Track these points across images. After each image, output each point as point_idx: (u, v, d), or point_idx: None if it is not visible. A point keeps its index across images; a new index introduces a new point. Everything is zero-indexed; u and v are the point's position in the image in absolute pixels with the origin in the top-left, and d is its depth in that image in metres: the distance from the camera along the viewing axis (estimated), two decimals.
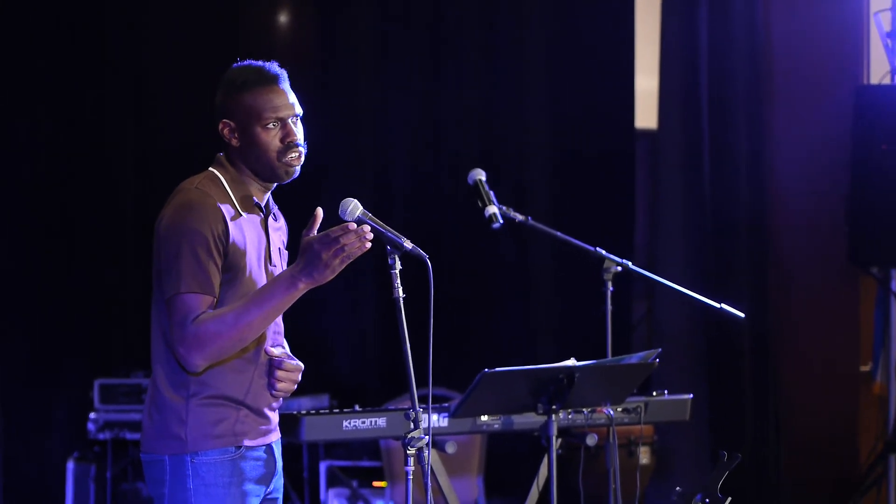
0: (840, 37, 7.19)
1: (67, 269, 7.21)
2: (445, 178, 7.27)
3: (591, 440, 4.66)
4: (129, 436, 6.67)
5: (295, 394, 3.60)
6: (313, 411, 4.49)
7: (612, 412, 4.60)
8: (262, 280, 3.30)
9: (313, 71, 7.32)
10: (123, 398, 6.75)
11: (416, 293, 3.37)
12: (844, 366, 7.16)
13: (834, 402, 7.14)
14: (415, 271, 3.27)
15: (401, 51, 7.36)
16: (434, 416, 4.47)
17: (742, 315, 4.90)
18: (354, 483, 6.74)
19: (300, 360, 3.39)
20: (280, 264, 3.40)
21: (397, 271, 3.18)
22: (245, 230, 3.28)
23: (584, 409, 4.61)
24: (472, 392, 4.32)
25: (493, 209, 4.92)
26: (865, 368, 7.17)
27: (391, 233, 3.16)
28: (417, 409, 3.20)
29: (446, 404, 4.56)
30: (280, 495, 3.44)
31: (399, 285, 3.18)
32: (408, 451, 3.20)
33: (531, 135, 7.26)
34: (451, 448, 4.51)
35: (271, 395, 3.33)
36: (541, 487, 4.73)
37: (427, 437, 3.21)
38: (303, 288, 3.13)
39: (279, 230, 3.45)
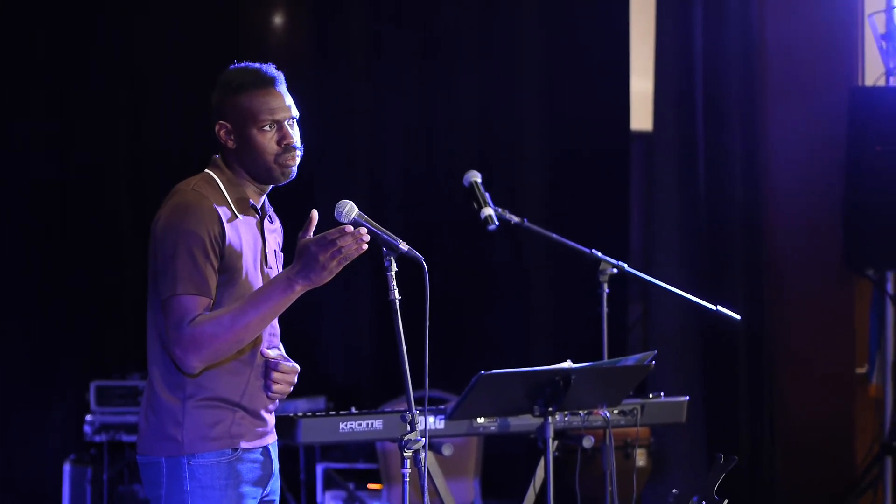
0: (834, 38, 7.20)
1: (65, 271, 7.21)
2: (440, 180, 7.27)
3: (588, 442, 4.66)
4: (126, 438, 6.67)
5: (291, 396, 3.60)
6: (309, 413, 4.49)
7: (608, 414, 4.60)
8: (258, 282, 3.30)
9: (308, 72, 7.32)
10: (119, 400, 6.75)
11: (412, 295, 3.37)
12: (840, 368, 7.17)
13: (830, 405, 7.14)
14: (411, 273, 3.27)
15: (395, 52, 7.37)
16: (430, 419, 4.47)
17: (738, 317, 4.90)
18: (351, 485, 6.74)
19: (296, 362, 3.39)
20: (276, 266, 3.40)
21: (393, 273, 3.18)
22: (241, 232, 3.29)
23: (580, 412, 4.61)
24: (468, 394, 4.32)
25: (488, 211, 4.92)
26: (861, 371, 7.18)
27: (387, 235, 3.16)
28: (414, 411, 3.20)
29: (443, 406, 4.56)
30: (277, 497, 3.43)
31: (395, 287, 3.18)
32: (404, 454, 3.20)
33: (526, 136, 7.27)
34: (447, 450, 4.51)
35: (267, 396, 3.33)
36: (537, 490, 4.73)
37: (423, 439, 3.21)
38: (299, 290, 3.13)
39: (275, 232, 3.45)
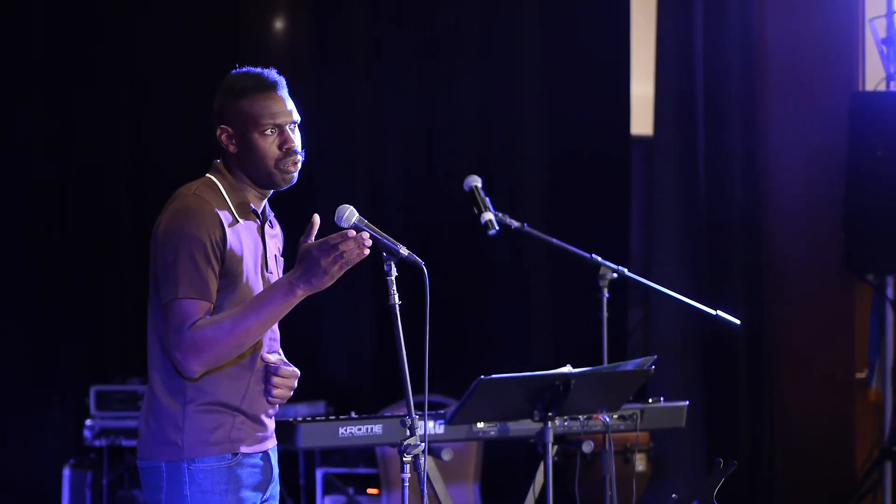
0: (835, 43, 7.20)
1: (65, 271, 7.22)
2: (440, 180, 7.27)
3: (587, 447, 4.66)
4: (126, 443, 6.67)
5: (291, 401, 3.60)
6: (309, 418, 4.49)
7: (607, 419, 4.60)
8: (258, 287, 3.30)
9: (307, 72, 7.32)
10: (119, 405, 6.75)
11: (413, 299, 3.37)
12: (840, 372, 7.17)
13: (830, 409, 7.14)
14: (411, 278, 3.27)
15: (395, 52, 7.37)
16: (430, 423, 4.47)
17: (737, 322, 4.90)
18: (350, 490, 6.74)
19: (296, 366, 3.39)
20: (276, 271, 3.40)
21: (393, 278, 3.18)
22: (242, 237, 3.29)
23: (580, 416, 4.60)
24: (468, 399, 4.32)
25: (488, 216, 4.92)
26: (861, 375, 7.17)
27: (387, 240, 3.16)
28: (413, 415, 3.20)
29: (442, 411, 4.56)
30: (277, 502, 3.43)
31: (395, 292, 3.18)
32: (404, 458, 3.20)
33: (526, 137, 7.27)
34: (447, 455, 4.51)
35: (267, 401, 3.33)
36: (537, 494, 4.73)
37: (423, 443, 3.21)
38: (301, 294, 3.13)
39: (275, 237, 3.45)
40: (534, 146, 7.26)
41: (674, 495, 4.38)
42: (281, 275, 3.39)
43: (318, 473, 6.80)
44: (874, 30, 6.89)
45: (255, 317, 3.14)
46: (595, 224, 7.05)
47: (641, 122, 7.31)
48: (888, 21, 6.88)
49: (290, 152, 3.31)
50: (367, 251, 3.09)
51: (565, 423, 4.60)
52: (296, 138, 3.34)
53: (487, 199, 4.95)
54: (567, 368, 4.34)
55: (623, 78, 7.19)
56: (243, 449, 3.28)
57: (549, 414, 4.37)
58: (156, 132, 7.35)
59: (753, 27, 7.17)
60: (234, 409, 3.27)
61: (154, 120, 7.37)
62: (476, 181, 4.98)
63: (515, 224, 4.98)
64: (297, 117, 3.36)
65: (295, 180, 3.35)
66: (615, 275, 4.89)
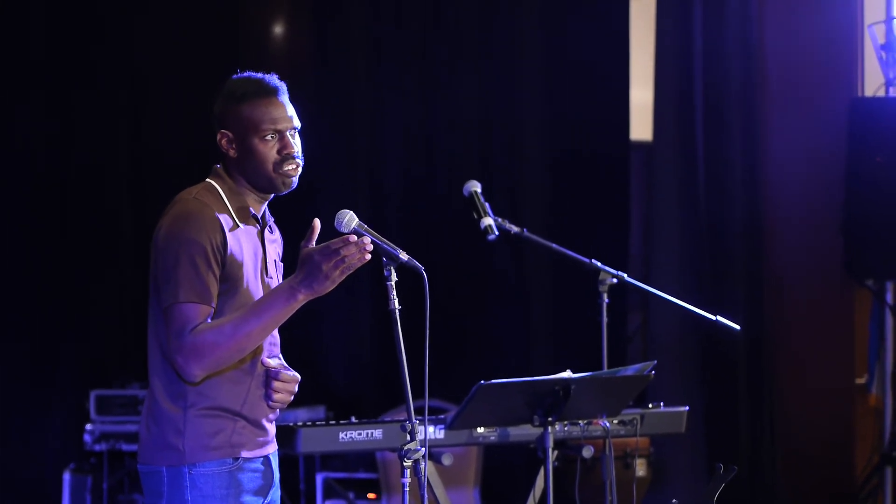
0: (834, 49, 7.21)
1: (65, 272, 7.22)
2: (441, 181, 7.27)
3: (588, 452, 4.66)
4: (126, 447, 6.67)
5: (291, 405, 3.60)
6: (309, 423, 4.49)
7: (608, 424, 4.60)
8: (258, 292, 3.31)
9: (307, 72, 7.33)
10: (120, 409, 6.75)
11: (412, 304, 3.37)
12: (840, 378, 7.17)
13: (830, 415, 7.14)
14: (411, 283, 3.28)
15: (395, 55, 7.38)
16: (430, 428, 4.47)
17: (737, 328, 4.90)
18: (351, 495, 6.74)
19: (296, 371, 3.39)
20: (276, 276, 3.41)
21: (393, 283, 3.18)
22: (242, 241, 3.29)
23: (580, 422, 4.61)
24: (468, 404, 4.33)
25: (488, 221, 4.92)
26: (861, 381, 7.18)
27: (387, 245, 3.16)
28: (413, 420, 3.20)
29: (442, 416, 4.56)
30: None
31: (395, 297, 3.18)
32: (404, 463, 3.20)
33: (526, 142, 7.27)
34: (447, 460, 4.51)
35: (268, 406, 3.33)
36: (537, 499, 4.73)
37: (423, 448, 3.22)
38: (302, 299, 3.13)
39: (275, 242, 3.46)
40: (533, 147, 7.26)
41: (674, 500, 4.39)
42: (280, 280, 3.40)
43: (319, 478, 6.80)
44: (873, 35, 6.90)
45: (256, 321, 3.15)
46: (595, 227, 7.06)
47: (641, 126, 7.31)
48: (887, 26, 6.89)
49: (289, 157, 3.32)
50: (369, 256, 3.10)
51: (565, 428, 4.60)
52: (296, 144, 3.35)
53: (487, 205, 4.95)
54: (567, 373, 4.35)
55: (622, 81, 7.20)
56: (244, 453, 3.28)
57: (550, 419, 4.37)
58: (156, 132, 7.36)
59: (753, 32, 7.18)
60: (235, 414, 3.27)
61: (154, 120, 7.38)
62: (476, 186, 4.98)
63: (515, 229, 4.98)
64: (297, 123, 3.37)
65: (295, 185, 3.36)
66: (615, 280, 4.89)
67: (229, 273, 3.24)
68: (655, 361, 4.51)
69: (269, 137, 3.32)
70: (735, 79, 7.14)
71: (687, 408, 4.99)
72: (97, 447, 6.72)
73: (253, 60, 3.50)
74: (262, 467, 3.34)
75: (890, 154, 6.68)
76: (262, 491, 3.34)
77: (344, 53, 7.38)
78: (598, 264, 4.89)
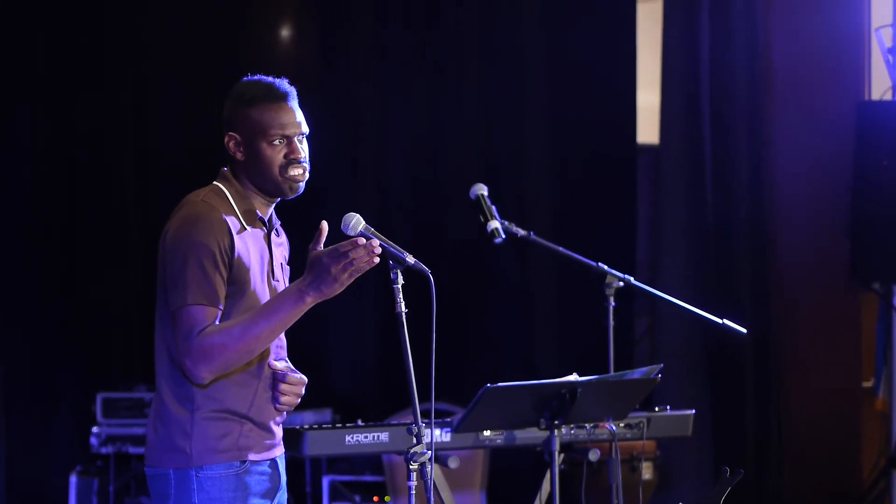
0: (841, 52, 7.21)
1: (69, 274, 7.23)
2: (446, 188, 7.27)
3: (594, 455, 4.66)
4: (132, 450, 6.68)
5: (297, 408, 3.60)
6: (316, 426, 4.49)
7: (614, 427, 4.60)
8: (265, 295, 3.31)
9: (312, 77, 7.34)
10: (126, 412, 6.76)
11: (419, 307, 3.38)
12: (846, 381, 7.16)
13: (836, 418, 7.13)
14: (417, 286, 3.28)
15: (400, 59, 7.38)
16: (437, 431, 4.47)
17: (744, 331, 4.90)
18: (357, 498, 6.74)
19: (303, 374, 3.40)
20: (282, 279, 3.41)
21: (400, 286, 3.19)
22: (249, 244, 3.29)
23: (586, 425, 4.61)
24: (474, 407, 4.33)
25: (495, 224, 4.93)
26: (868, 384, 7.17)
27: (393, 248, 3.17)
28: (420, 423, 3.20)
29: (449, 419, 4.56)
30: None
31: (401, 300, 3.18)
32: (410, 466, 3.21)
33: (533, 146, 7.27)
34: (453, 463, 4.51)
35: (275, 408, 3.34)
36: (543, 503, 4.73)
37: (430, 451, 3.21)
38: (310, 302, 3.13)
39: (281, 245, 3.46)
40: (540, 150, 7.26)
41: (680, 503, 4.38)
42: (287, 283, 3.40)
43: (325, 481, 6.80)
44: (880, 39, 6.90)
45: (264, 323, 3.15)
46: (601, 230, 7.06)
47: (647, 129, 7.31)
48: (894, 30, 6.88)
49: (297, 163, 3.32)
50: (377, 259, 3.10)
51: (572, 432, 4.60)
52: (303, 149, 3.35)
53: (494, 208, 4.96)
54: (574, 377, 4.35)
55: (629, 84, 7.20)
56: (251, 456, 3.29)
57: (556, 422, 4.37)
58: (162, 134, 7.36)
59: (759, 36, 7.17)
60: (243, 417, 3.27)
61: (160, 122, 7.38)
62: (482, 189, 4.99)
63: (522, 232, 4.98)
64: (305, 129, 3.37)
65: (301, 190, 3.36)
66: (621, 283, 4.89)
67: (236, 276, 3.24)
68: (662, 365, 4.51)
69: (276, 142, 3.32)
70: (742, 82, 7.14)
71: (693, 411, 4.98)
72: (104, 450, 6.73)
73: (258, 64, 3.48)
74: (269, 470, 3.34)
75: None
76: (269, 494, 3.34)
77: (346, 55, 7.38)
78: (605, 267, 4.89)
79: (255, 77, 3.39)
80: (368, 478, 6.76)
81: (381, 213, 7.27)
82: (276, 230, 3.43)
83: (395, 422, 5.11)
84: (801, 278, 7.24)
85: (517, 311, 7.22)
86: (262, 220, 3.36)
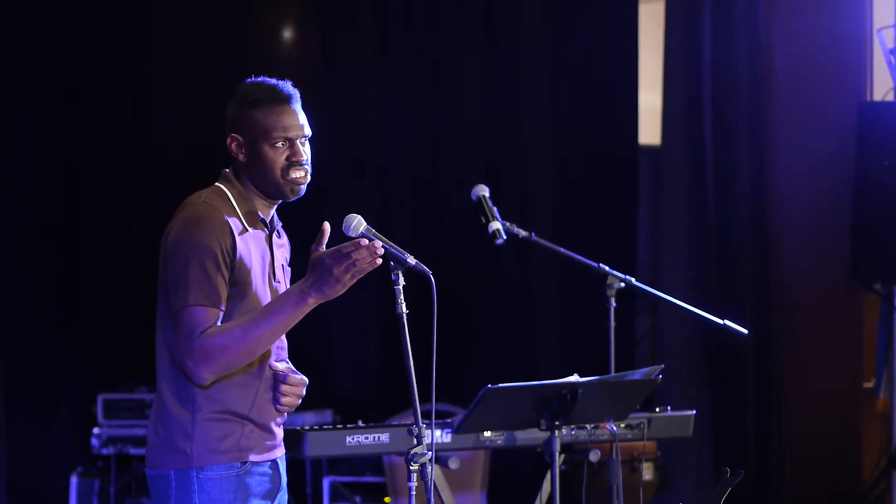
0: (843, 53, 7.21)
1: (70, 274, 7.23)
2: (447, 188, 7.27)
3: (594, 456, 4.66)
4: (133, 451, 6.68)
5: (298, 409, 3.61)
6: (316, 427, 4.49)
7: (615, 428, 4.60)
8: (266, 296, 3.31)
9: (313, 77, 7.34)
10: (127, 413, 6.76)
11: (419, 308, 3.37)
12: (847, 382, 7.16)
13: (837, 419, 7.13)
14: (418, 287, 3.28)
15: (401, 59, 7.38)
16: (437, 432, 4.47)
17: (745, 331, 4.90)
18: (358, 499, 6.74)
19: (304, 375, 3.39)
20: (284, 281, 3.41)
21: (401, 287, 3.19)
22: (251, 245, 3.29)
23: (587, 425, 4.60)
24: (475, 408, 4.32)
25: (496, 225, 4.93)
26: (869, 385, 7.17)
27: (395, 249, 3.17)
28: (420, 424, 3.20)
29: (449, 420, 4.56)
30: None
31: (402, 301, 3.18)
32: (411, 467, 3.21)
33: (534, 147, 7.27)
34: (454, 464, 4.51)
35: (276, 409, 3.33)
36: (544, 503, 4.73)
37: (430, 452, 3.21)
38: (312, 303, 3.13)
39: (282, 247, 3.46)
40: (540, 151, 7.26)
41: None
42: (288, 285, 3.40)
43: (326, 482, 6.80)
44: (882, 40, 6.89)
45: (266, 324, 3.15)
46: (602, 231, 7.06)
47: (649, 130, 7.31)
48: None
49: (298, 165, 3.32)
50: (380, 260, 3.10)
51: (572, 432, 4.60)
52: (305, 152, 3.35)
53: (495, 209, 4.96)
54: (574, 377, 4.34)
55: (631, 86, 7.20)
56: (252, 457, 3.29)
57: (557, 423, 4.37)
58: (163, 133, 7.36)
59: (761, 37, 7.17)
60: (243, 418, 3.27)
61: (161, 121, 7.39)
62: (484, 190, 4.99)
63: (523, 233, 4.98)
64: (308, 131, 3.37)
65: (303, 193, 3.36)
66: (623, 284, 4.89)
67: (238, 277, 3.24)
68: (663, 365, 4.51)
69: (279, 144, 3.32)
70: (743, 83, 7.13)
71: (694, 412, 4.98)
72: (104, 451, 6.73)
73: (257, 62, 3.49)
74: (270, 471, 3.34)
75: None
76: (270, 495, 3.34)
77: (348, 55, 7.38)
78: (606, 268, 4.89)
79: (259, 79, 3.39)
80: (369, 479, 6.76)
81: (381, 213, 7.26)
82: (278, 231, 3.43)
83: (395, 423, 5.10)
84: (802, 279, 7.24)
85: (518, 311, 7.22)
86: (263, 221, 3.36)
